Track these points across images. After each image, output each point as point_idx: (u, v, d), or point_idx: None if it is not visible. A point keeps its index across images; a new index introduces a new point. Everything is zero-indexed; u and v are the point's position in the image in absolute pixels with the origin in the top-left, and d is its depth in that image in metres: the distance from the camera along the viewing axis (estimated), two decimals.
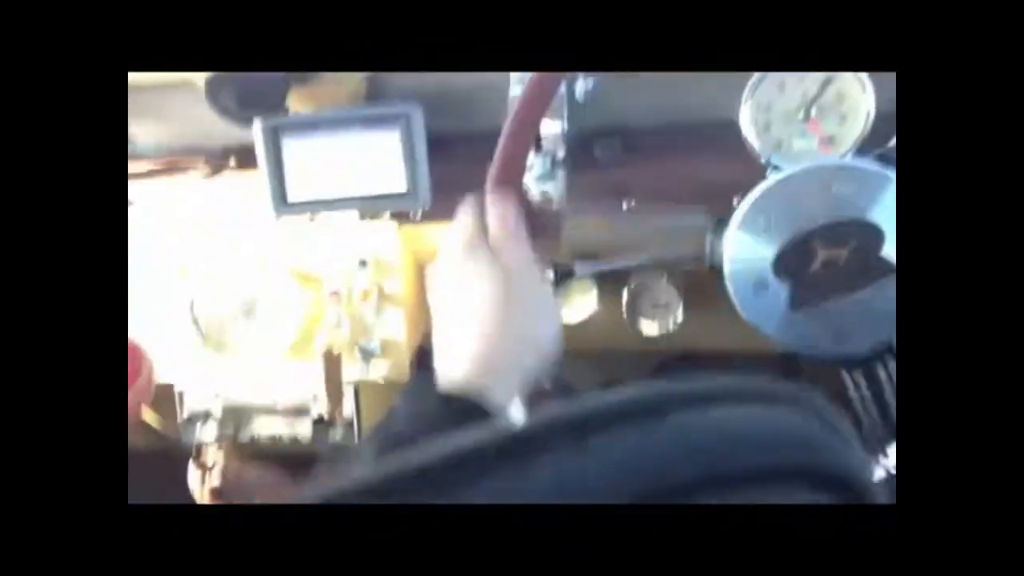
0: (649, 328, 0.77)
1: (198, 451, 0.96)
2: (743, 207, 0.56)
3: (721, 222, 0.58)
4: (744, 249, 0.57)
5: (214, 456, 1.01)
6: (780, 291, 0.56)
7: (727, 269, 0.57)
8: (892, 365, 0.57)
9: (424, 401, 0.43)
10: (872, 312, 0.56)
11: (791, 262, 0.56)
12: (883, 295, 0.56)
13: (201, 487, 1.02)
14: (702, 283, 0.75)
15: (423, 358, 0.88)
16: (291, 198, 0.67)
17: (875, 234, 0.55)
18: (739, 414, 0.21)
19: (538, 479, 0.18)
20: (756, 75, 0.61)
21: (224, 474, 1.01)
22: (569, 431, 0.19)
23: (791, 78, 0.61)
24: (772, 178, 0.56)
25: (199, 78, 0.66)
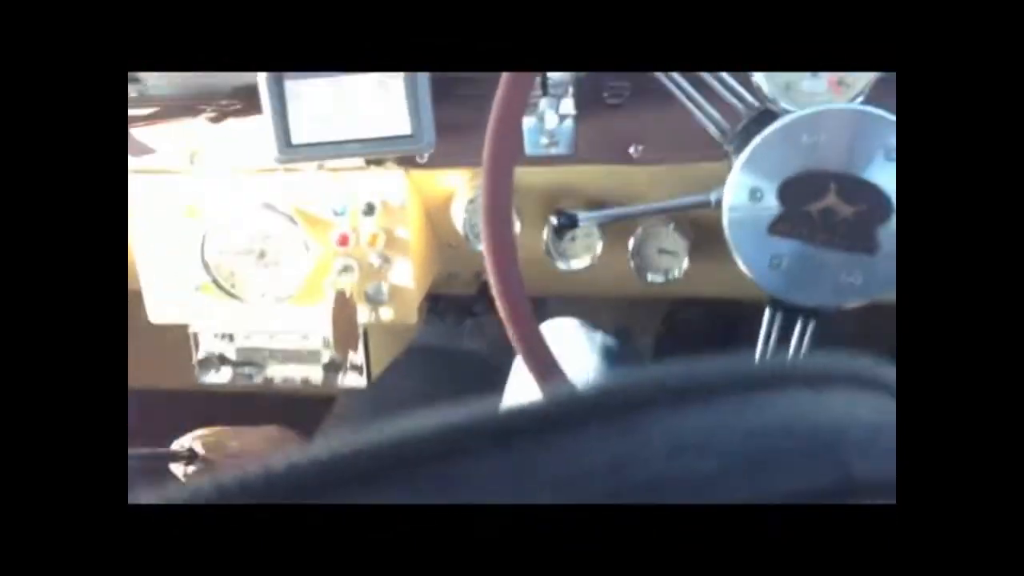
0: (655, 275, 0.76)
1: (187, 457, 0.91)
2: (752, 146, 0.55)
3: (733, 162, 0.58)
4: (747, 190, 0.56)
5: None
6: (768, 208, 0.56)
7: (728, 199, 0.56)
8: (809, 329, 0.58)
9: None
10: (830, 277, 0.56)
11: (798, 190, 0.55)
12: (851, 267, 0.55)
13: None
14: (708, 231, 0.75)
15: (431, 303, 0.89)
16: (295, 139, 0.67)
17: (886, 211, 0.54)
18: (859, 403, 0.18)
19: (643, 443, 0.16)
20: None
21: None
22: (662, 399, 0.16)
23: None
24: (786, 119, 0.55)
25: None
